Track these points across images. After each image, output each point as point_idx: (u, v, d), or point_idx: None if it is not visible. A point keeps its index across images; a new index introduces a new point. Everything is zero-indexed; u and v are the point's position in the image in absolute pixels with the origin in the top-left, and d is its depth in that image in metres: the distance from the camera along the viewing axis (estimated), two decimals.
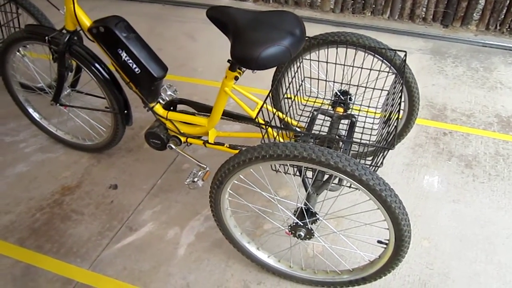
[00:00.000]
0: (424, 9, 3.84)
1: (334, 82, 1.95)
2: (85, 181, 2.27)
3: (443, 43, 3.62)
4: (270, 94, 2.19)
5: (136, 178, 2.28)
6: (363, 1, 3.89)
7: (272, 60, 1.44)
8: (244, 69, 1.74)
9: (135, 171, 2.32)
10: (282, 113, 1.93)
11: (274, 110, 1.60)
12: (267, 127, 1.44)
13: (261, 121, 1.42)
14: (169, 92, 2.12)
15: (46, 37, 1.90)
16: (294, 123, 1.88)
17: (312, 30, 3.69)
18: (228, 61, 1.71)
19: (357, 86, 1.94)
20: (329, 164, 1.30)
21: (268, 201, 2.10)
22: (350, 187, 1.46)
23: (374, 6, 3.89)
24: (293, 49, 1.48)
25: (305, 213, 1.53)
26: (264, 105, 1.88)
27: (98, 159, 2.40)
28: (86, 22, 1.83)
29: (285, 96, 1.60)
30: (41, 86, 2.63)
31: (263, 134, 1.47)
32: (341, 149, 1.73)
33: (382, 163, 1.43)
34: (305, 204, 1.56)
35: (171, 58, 3.33)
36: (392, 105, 1.66)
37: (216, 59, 3.31)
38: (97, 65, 1.97)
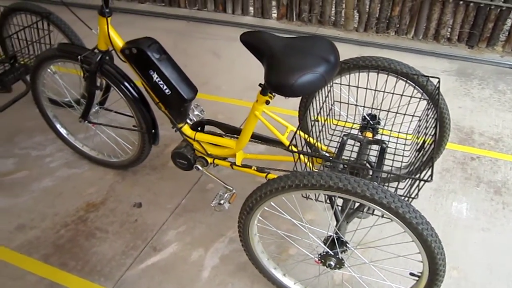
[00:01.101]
0: (449, 29, 3.81)
1: (364, 107, 1.93)
2: (110, 198, 2.27)
3: (469, 64, 3.58)
4: (298, 116, 2.19)
5: (161, 196, 2.28)
6: (387, 21, 3.87)
7: (307, 87, 1.43)
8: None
9: (160, 189, 2.32)
10: (309, 136, 1.91)
11: (306, 136, 1.58)
12: (300, 154, 1.42)
13: (294, 149, 1.40)
14: (196, 112, 2.12)
15: (79, 57, 1.92)
16: (324, 148, 1.86)
17: None
18: (260, 85, 1.71)
19: (387, 111, 1.91)
20: (364, 195, 1.28)
21: (293, 224, 2.07)
22: (382, 216, 1.43)
23: (398, 26, 3.87)
24: (328, 76, 1.47)
25: (336, 243, 1.50)
26: (291, 130, 1.86)
27: (123, 176, 2.41)
28: (119, 43, 1.85)
29: (315, 119, 1.59)
30: (68, 101, 2.66)
31: (296, 161, 1.46)
32: (371, 176, 1.71)
33: (417, 194, 1.40)
34: (336, 233, 1.54)
35: (195, 75, 3.31)
36: (426, 134, 1.64)
37: (239, 77, 3.32)
38: (127, 84, 1.99)
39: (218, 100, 3.04)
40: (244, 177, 2.28)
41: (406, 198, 1.45)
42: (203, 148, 1.99)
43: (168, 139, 2.64)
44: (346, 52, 3.61)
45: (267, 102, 1.72)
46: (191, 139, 1.99)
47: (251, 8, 4.26)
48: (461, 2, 3.58)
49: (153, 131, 2.11)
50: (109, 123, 2.31)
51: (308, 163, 1.56)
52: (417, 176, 1.35)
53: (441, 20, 3.74)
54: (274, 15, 4.22)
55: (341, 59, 1.66)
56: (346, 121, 1.99)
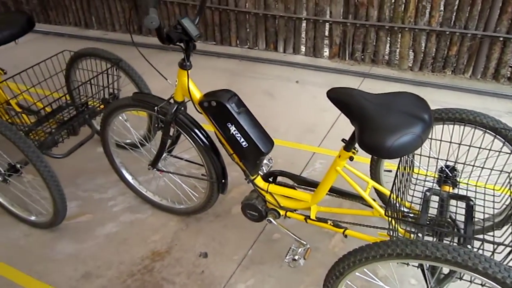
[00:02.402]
0: (510, 68, 3.68)
1: (447, 160, 1.84)
2: (175, 247, 2.23)
3: None
4: (370, 167, 2.11)
5: (226, 246, 2.22)
6: (443, 60, 3.78)
7: (405, 149, 1.36)
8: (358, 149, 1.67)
9: (224, 238, 2.27)
10: (385, 188, 1.84)
11: (400, 200, 1.50)
12: (397, 220, 1.34)
13: (390, 214, 1.33)
14: (264, 161, 2.08)
15: (156, 108, 1.92)
16: (407, 204, 1.78)
17: (390, 89, 3.61)
18: (343, 140, 1.66)
19: (473, 165, 1.82)
20: (477, 269, 1.19)
21: (367, 281, 1.96)
22: (482, 285, 1.34)
23: (455, 65, 3.78)
24: (424, 137, 1.40)
25: None
26: (372, 186, 1.79)
27: (186, 223, 2.37)
28: (197, 95, 1.84)
29: (400, 173, 1.51)
30: (130, 142, 2.67)
31: (392, 228, 1.38)
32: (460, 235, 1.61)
33: None
34: None
35: None
36: None
37: (296, 119, 3.27)
38: (200, 134, 1.97)
39: (276, 143, 2.97)
40: (310, 226, 2.20)
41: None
42: (276, 200, 1.94)
43: (229, 185, 2.59)
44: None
45: (351, 158, 1.66)
46: (263, 191, 1.94)
47: (302, 47, 4.26)
48: None
49: (223, 180, 2.07)
50: (176, 170, 2.29)
51: (397, 225, 1.47)
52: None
53: (501, 60, 3.62)
54: (326, 54, 4.20)
55: None
56: (426, 175, 1.90)
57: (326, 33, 4.11)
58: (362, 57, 4.02)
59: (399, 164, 1.52)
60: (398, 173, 1.48)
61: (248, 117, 1.81)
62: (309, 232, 2.21)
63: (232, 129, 1.79)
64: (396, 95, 1.53)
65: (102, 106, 2.52)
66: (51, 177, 2.03)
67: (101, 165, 2.81)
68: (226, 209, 2.45)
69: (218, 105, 1.76)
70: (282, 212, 1.96)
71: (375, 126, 1.39)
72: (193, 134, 1.96)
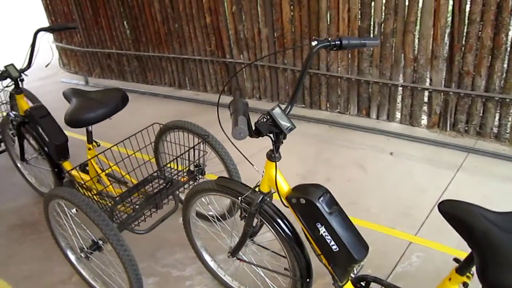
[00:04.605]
0: None
1: None
2: None
3: None
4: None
5: None
6: None
7: None
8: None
9: None
10: None
11: None
12: None
13: None
14: None
15: (240, 197, 1.79)
16: None
17: (500, 168, 3.20)
18: (455, 260, 1.39)
19: None
20: None
21: None
22: None
23: None
24: None
25: None
26: None
27: None
28: (285, 188, 1.69)
29: None
30: (210, 215, 2.56)
31: None
32: None
33: None
34: None
35: (340, 192, 3.04)
36: None
37: (391, 198, 2.97)
38: (284, 226, 1.80)
39: (366, 226, 2.71)
40: None
41: None
42: None
43: None
44: None
45: (465, 285, 1.37)
46: None
47: (397, 114, 3.99)
48: None
49: (307, 279, 1.85)
50: (257, 258, 2.12)
51: None
52: None
53: None
54: (424, 123, 3.88)
55: None
56: None
57: (425, 100, 3.81)
58: (466, 128, 3.64)
59: None
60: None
61: (341, 218, 1.60)
62: None
63: (322, 230, 1.59)
64: None
65: (185, 179, 2.46)
66: (130, 260, 1.96)
67: (181, 237, 2.73)
68: None
69: (307, 203, 1.58)
70: None
71: (506, 262, 1.11)
72: (277, 226, 1.79)
